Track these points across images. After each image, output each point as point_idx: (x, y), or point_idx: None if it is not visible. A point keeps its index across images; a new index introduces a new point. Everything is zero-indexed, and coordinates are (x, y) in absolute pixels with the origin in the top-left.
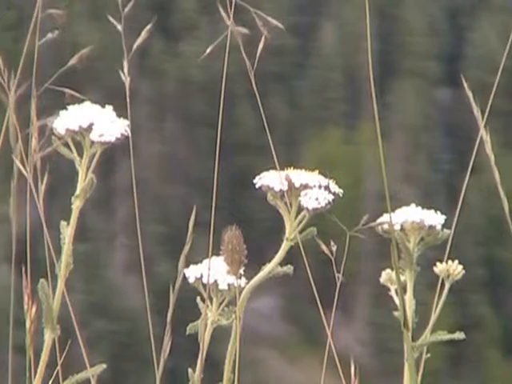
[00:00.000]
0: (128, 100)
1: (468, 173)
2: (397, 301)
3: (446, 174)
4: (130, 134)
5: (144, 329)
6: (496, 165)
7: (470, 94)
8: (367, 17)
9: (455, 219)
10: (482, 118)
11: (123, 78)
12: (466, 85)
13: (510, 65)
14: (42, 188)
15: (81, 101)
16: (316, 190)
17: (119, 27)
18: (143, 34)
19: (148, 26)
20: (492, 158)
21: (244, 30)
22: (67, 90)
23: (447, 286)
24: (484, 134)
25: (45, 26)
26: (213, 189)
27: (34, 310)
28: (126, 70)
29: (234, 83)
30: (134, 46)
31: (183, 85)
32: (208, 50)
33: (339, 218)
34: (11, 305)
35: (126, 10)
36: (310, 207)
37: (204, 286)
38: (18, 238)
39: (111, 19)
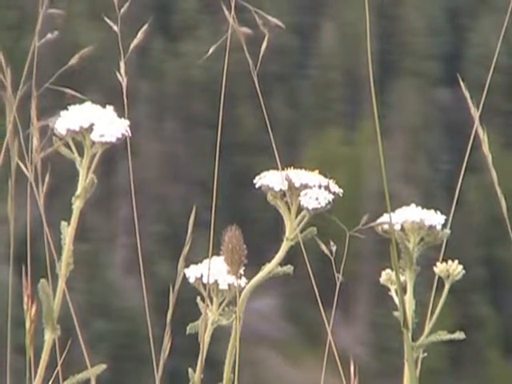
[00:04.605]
0: (126, 100)
1: (462, 173)
2: (397, 301)
3: (446, 174)
4: (130, 134)
5: (144, 329)
6: (496, 164)
7: (467, 94)
8: (367, 17)
9: (451, 216)
10: (481, 118)
11: (120, 78)
12: (462, 85)
13: (509, 64)
14: (43, 188)
15: (81, 101)
16: (316, 189)
17: (115, 28)
18: (139, 35)
19: (144, 27)
20: (489, 158)
21: (247, 30)
22: (68, 90)
23: (447, 286)
24: (481, 133)
25: (45, 26)
26: (213, 189)
27: (34, 309)
28: (122, 70)
29: (235, 83)
30: (131, 47)
31: (184, 85)
32: (211, 51)
33: (339, 218)
34: (9, 304)
35: (123, 10)
36: (310, 207)
37: (204, 285)
38: (18, 237)
39: (107, 20)
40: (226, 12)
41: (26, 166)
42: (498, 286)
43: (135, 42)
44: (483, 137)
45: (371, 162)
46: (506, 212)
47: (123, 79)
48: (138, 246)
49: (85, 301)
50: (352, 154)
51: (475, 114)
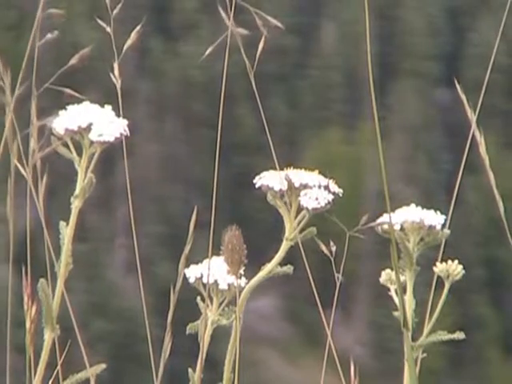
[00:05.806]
0: (120, 101)
1: (460, 173)
2: (397, 301)
3: (446, 174)
4: (128, 134)
5: (144, 329)
6: (495, 165)
7: (464, 97)
8: (367, 17)
9: (449, 215)
10: (480, 118)
11: (114, 80)
12: (458, 87)
13: (509, 64)
14: (42, 188)
15: (80, 101)
16: (316, 189)
17: (108, 29)
18: (132, 36)
19: (137, 27)
20: (487, 159)
21: (244, 31)
22: (67, 90)
23: (447, 286)
24: (478, 135)
25: (44, 25)
26: (213, 189)
27: (34, 309)
28: (116, 72)
29: (234, 83)
30: (124, 48)
31: (183, 85)
32: (208, 51)
33: (339, 218)
34: (9, 304)
35: (116, 11)
36: (309, 207)
37: (204, 285)
38: (18, 238)
39: (100, 21)
40: (223, 13)
41: (23, 167)
42: (497, 285)
43: (128, 42)
44: (480, 139)
45: (371, 162)
46: (504, 213)
47: (117, 80)
48: (135, 246)
49: (84, 301)
50: (352, 154)
51: (472, 116)
